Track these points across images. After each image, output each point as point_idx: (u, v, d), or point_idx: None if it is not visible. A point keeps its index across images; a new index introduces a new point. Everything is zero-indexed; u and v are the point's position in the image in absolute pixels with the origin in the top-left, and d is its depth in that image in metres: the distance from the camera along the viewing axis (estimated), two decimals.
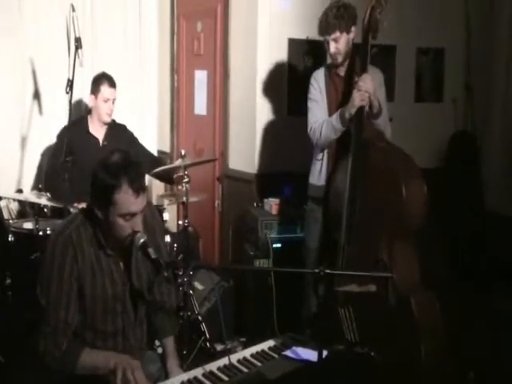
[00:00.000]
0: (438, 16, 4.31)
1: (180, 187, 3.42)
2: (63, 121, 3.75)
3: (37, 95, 4.21)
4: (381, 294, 2.45)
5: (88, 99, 3.82)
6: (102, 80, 3.57)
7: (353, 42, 2.96)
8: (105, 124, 3.61)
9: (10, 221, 3.65)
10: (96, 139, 3.60)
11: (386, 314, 2.49)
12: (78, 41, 3.48)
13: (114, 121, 3.68)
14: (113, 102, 3.59)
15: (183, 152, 3.44)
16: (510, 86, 4.27)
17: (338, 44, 2.90)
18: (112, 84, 3.59)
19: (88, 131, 3.60)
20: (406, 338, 2.44)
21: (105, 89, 3.55)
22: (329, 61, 3.09)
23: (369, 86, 2.72)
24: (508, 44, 4.26)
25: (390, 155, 2.69)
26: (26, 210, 3.98)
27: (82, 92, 4.42)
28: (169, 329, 2.16)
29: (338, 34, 2.88)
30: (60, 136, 3.61)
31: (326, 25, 2.90)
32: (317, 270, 1.70)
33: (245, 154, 4.00)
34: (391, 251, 2.56)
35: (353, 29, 2.91)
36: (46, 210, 3.79)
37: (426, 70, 4.41)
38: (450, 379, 2.61)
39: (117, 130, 3.68)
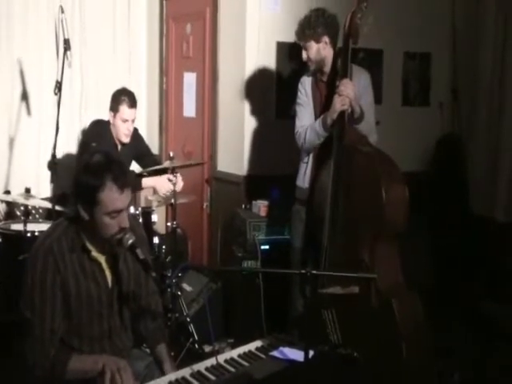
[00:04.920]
0: (425, 21, 4.35)
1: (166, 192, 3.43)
2: (51, 122, 3.74)
3: (25, 96, 4.21)
4: (363, 295, 2.47)
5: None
6: (121, 98, 3.38)
7: (337, 48, 2.98)
8: (121, 143, 3.48)
9: None
10: (116, 146, 3.51)
11: (368, 315, 2.50)
12: (66, 42, 3.47)
13: None
14: (132, 121, 3.43)
15: (171, 154, 3.45)
16: (495, 90, 4.32)
17: (308, 52, 2.94)
18: (132, 104, 3.39)
19: (115, 144, 3.45)
20: (388, 338, 2.45)
21: (124, 109, 3.37)
22: None
23: (349, 90, 2.72)
24: (493, 48, 4.31)
25: (371, 159, 2.69)
26: (14, 211, 3.97)
27: (71, 93, 4.43)
28: (160, 336, 2.14)
29: (306, 42, 2.92)
30: (89, 136, 3.50)
31: (298, 31, 2.96)
32: (303, 271, 1.72)
33: (233, 156, 4.02)
34: (373, 253, 2.57)
35: (325, 39, 2.92)
36: (34, 211, 3.79)
37: (413, 74, 4.45)
38: (435, 380, 2.64)
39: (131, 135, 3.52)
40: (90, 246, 1.96)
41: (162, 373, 2.03)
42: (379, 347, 2.39)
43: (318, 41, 2.92)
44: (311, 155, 3.03)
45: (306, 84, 3.05)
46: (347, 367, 1.85)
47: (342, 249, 2.64)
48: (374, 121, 2.95)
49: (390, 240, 2.64)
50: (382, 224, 2.58)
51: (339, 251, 2.63)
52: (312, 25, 2.90)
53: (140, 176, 3.48)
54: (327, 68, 2.98)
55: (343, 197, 2.66)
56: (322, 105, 2.97)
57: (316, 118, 2.97)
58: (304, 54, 2.97)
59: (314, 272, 1.72)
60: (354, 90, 2.74)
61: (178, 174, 3.38)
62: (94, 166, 1.88)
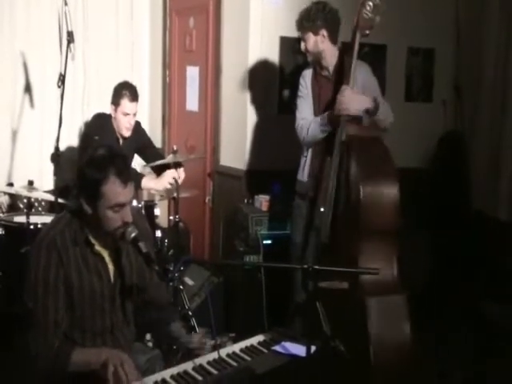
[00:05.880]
0: (429, 16, 4.34)
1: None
2: (54, 115, 3.75)
3: (28, 89, 4.21)
4: (348, 292, 2.46)
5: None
6: (123, 92, 3.39)
7: (342, 42, 2.99)
8: (123, 137, 3.50)
9: (1, 214, 3.66)
10: (118, 140, 3.51)
11: (345, 312, 2.49)
12: (70, 35, 3.47)
13: None
14: (134, 115, 3.44)
15: (175, 147, 3.45)
16: (498, 88, 4.30)
17: (306, 43, 2.97)
18: (133, 98, 3.40)
19: (117, 137, 3.46)
20: (358, 338, 2.44)
21: (125, 103, 3.38)
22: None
23: (346, 100, 2.74)
24: (497, 47, 4.29)
25: (363, 156, 2.69)
26: (17, 203, 3.98)
27: (73, 86, 4.43)
28: (174, 314, 2.17)
29: (304, 33, 2.95)
30: (92, 131, 3.50)
31: (298, 22, 2.99)
32: (305, 266, 1.72)
33: (236, 150, 4.02)
34: (363, 252, 2.58)
35: (323, 32, 2.93)
36: (36, 203, 3.80)
37: (417, 69, 4.44)
38: (436, 379, 2.63)
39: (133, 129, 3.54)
40: (93, 240, 1.96)
41: (166, 363, 2.04)
42: (352, 345, 2.38)
43: (316, 33, 2.94)
44: (310, 149, 3.04)
45: (306, 77, 3.08)
46: (335, 360, 1.85)
47: (337, 246, 2.65)
48: (387, 105, 2.92)
49: (383, 239, 2.63)
50: (368, 223, 2.58)
51: (335, 248, 2.64)
52: (311, 17, 2.93)
53: (140, 176, 3.46)
54: (325, 62, 3.00)
55: (342, 195, 2.67)
56: (321, 98, 3.00)
57: (314, 111, 3.00)
58: (302, 45, 3.01)
59: (316, 267, 1.73)
60: (351, 97, 2.74)
61: (182, 169, 3.38)
62: (98, 160, 1.88)
